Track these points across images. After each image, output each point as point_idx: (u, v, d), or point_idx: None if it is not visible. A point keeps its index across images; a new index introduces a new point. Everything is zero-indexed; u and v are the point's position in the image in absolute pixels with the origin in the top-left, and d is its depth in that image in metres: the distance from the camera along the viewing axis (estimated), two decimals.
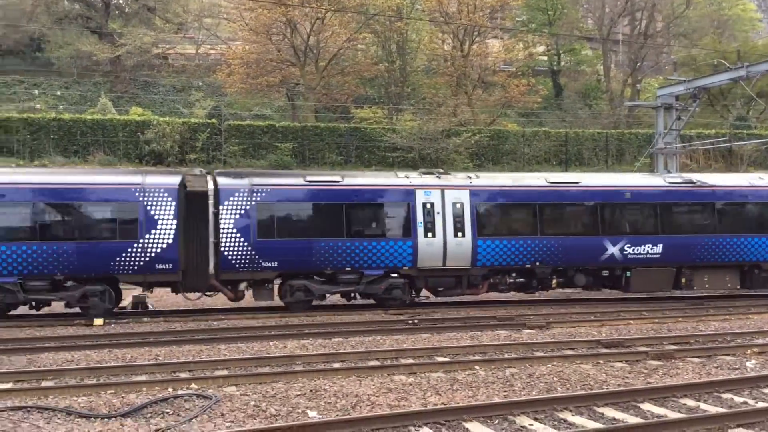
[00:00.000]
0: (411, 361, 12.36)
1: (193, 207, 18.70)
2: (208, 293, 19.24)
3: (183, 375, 11.38)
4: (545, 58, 52.20)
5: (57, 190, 17.94)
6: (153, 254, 17.94)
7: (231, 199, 18.63)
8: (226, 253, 18.40)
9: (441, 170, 21.81)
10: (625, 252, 20.65)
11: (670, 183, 21.82)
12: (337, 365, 12.02)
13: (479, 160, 33.25)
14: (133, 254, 17.87)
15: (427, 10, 41.27)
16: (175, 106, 36.38)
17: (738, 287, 22.12)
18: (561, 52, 52.17)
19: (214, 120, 33.19)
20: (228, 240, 18.45)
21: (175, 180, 18.65)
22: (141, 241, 17.88)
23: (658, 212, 21.10)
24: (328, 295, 19.78)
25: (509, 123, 40.01)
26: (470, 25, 39.61)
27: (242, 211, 18.62)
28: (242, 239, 18.52)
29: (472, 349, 13.51)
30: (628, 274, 20.89)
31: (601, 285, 21.58)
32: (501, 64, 43.97)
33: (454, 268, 19.81)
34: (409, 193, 19.71)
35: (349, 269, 19.16)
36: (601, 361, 12.46)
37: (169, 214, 18.08)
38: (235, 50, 40.75)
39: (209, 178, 19.16)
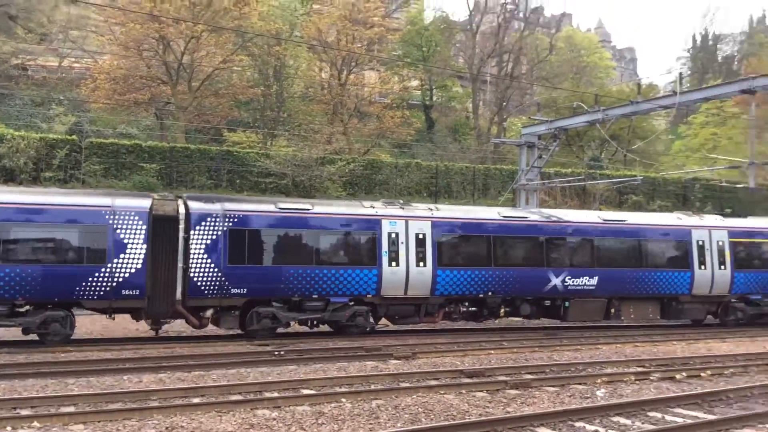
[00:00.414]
0: (276, 394, 12.05)
1: (161, 231, 18.22)
2: (166, 321, 18.88)
3: (24, 412, 10.48)
4: (419, 92, 53.75)
5: (24, 210, 17.23)
6: (120, 279, 17.52)
7: (203, 224, 18.50)
8: (195, 278, 18.17)
9: (401, 201, 22.53)
10: (566, 283, 22.10)
11: (605, 220, 23.83)
12: (196, 400, 11.50)
13: (353, 189, 33.47)
14: (100, 279, 17.40)
15: (306, 37, 41.41)
16: (33, 121, 34.07)
17: (659, 317, 24.20)
18: (434, 87, 53.91)
19: (74, 136, 31.37)
20: (198, 265, 18.23)
21: (145, 203, 18.28)
22: (109, 265, 17.44)
23: (594, 247, 22.88)
24: (292, 323, 19.87)
25: (383, 153, 40.68)
26: (349, 53, 40.11)
27: (213, 237, 18.52)
28: (212, 265, 18.38)
29: (339, 380, 13.40)
30: (567, 304, 22.31)
31: (542, 315, 22.95)
32: (376, 95, 44.80)
33: (414, 296, 20.51)
34: (375, 223, 20.25)
35: (316, 296, 19.46)
36: (464, 391, 12.72)
37: (138, 239, 17.76)
38: (102, 64, 38.89)
39: (180, 202, 18.80)
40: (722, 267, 24.40)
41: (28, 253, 17.14)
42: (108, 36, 39.26)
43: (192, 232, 18.34)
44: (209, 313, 18.74)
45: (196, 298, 18.34)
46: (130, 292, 17.56)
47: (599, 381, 13.95)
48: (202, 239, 18.46)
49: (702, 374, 14.89)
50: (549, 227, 22.49)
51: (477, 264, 21.24)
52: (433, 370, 14.68)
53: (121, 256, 17.50)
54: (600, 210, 28.57)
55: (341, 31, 40.56)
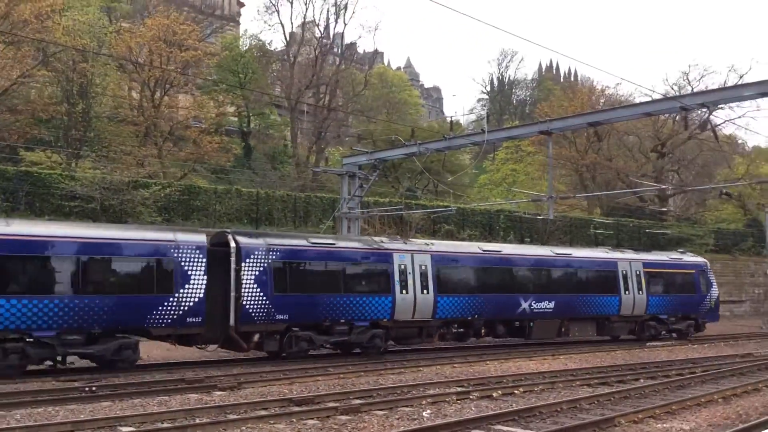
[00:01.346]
0: None
1: (215, 264, 20.20)
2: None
3: None
4: (235, 118, 52.93)
5: (97, 245, 18.74)
6: (186, 308, 19.41)
7: (251, 257, 20.77)
8: (246, 306, 20.36)
9: (398, 236, 27.02)
10: (532, 307, 26.31)
11: (557, 254, 28.62)
12: None
13: (168, 215, 31.95)
14: (168, 308, 19.19)
15: (116, 55, 39.27)
16: None
17: (595, 335, 29.39)
18: (251, 114, 53.39)
19: None
20: (248, 294, 20.48)
21: (203, 238, 20.52)
22: (176, 295, 19.30)
23: (552, 276, 27.70)
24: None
25: (200, 179, 39.41)
26: (163, 75, 38.56)
27: (261, 269, 20.85)
28: (261, 294, 20.70)
29: (161, 415, 12.61)
30: (531, 324, 26.60)
31: (512, 334, 27.05)
32: (192, 119, 43.44)
33: (419, 320, 23.81)
34: (389, 256, 23.45)
35: (343, 321, 22.12)
36: (294, 420, 12.51)
37: (200, 270, 19.78)
38: None
39: (230, 237, 20.91)
40: (640, 292, 29.90)
41: (102, 285, 18.79)
42: None
43: (243, 265, 20.60)
44: (256, 337, 20.88)
45: (247, 323, 20.64)
46: (194, 320, 19.57)
47: (424, 402, 14.38)
48: (251, 271, 20.84)
49: (515, 391, 15.88)
50: (518, 258, 27.32)
51: (467, 291, 25.15)
52: (261, 399, 14.31)
53: (186, 286, 19.50)
54: (416, 238, 29.83)
55: (154, 51, 38.96)
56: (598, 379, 17.94)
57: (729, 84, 48.73)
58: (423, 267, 23.96)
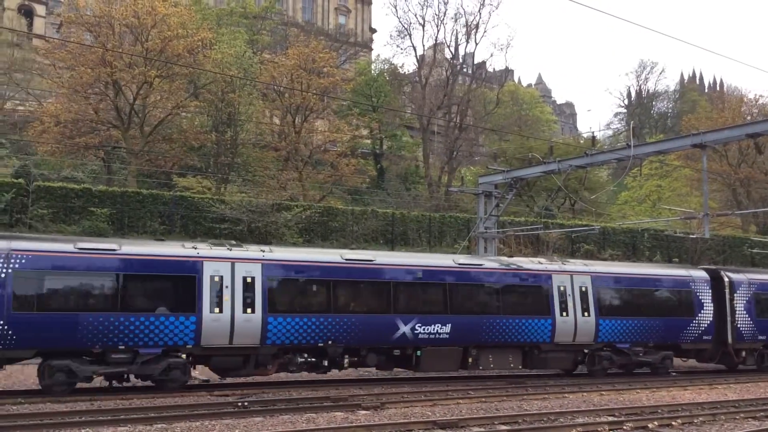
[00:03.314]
0: None
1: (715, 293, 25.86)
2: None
3: None
4: (369, 141, 54.16)
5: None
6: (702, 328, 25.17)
7: (740, 289, 26.57)
8: (739, 327, 26.16)
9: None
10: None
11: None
12: None
13: (309, 236, 33.09)
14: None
15: (260, 84, 41.41)
16: None
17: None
18: (384, 136, 54.42)
19: (21, 180, 30.20)
20: (739, 318, 26.10)
21: (705, 274, 26.16)
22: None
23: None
24: None
25: (336, 201, 40.57)
26: (303, 101, 40.14)
27: (746, 298, 26.45)
28: (747, 318, 26.21)
29: None
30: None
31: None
32: (328, 143, 44.90)
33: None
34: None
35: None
36: None
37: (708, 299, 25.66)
38: (47, 107, 37.87)
39: (722, 273, 26.43)
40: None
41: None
42: (56, 79, 38.34)
43: (735, 295, 26.00)
44: (744, 353, 26.20)
45: (739, 342, 25.88)
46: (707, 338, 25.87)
47: (574, 431, 13.78)
48: (740, 299, 26.08)
49: (673, 423, 14.89)
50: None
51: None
52: (405, 421, 14.25)
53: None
54: (554, 256, 28.84)
55: (295, 79, 40.68)
56: (764, 411, 16.49)
57: None
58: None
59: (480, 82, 62.95)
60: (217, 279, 18.65)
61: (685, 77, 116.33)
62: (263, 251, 19.92)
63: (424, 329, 20.84)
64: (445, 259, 22.90)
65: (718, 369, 27.49)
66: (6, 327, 16.48)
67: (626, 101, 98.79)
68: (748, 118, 49.62)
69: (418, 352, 20.90)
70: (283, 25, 64.08)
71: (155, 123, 37.09)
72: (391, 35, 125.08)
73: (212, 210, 31.38)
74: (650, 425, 14.55)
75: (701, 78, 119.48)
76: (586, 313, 23.45)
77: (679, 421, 15.09)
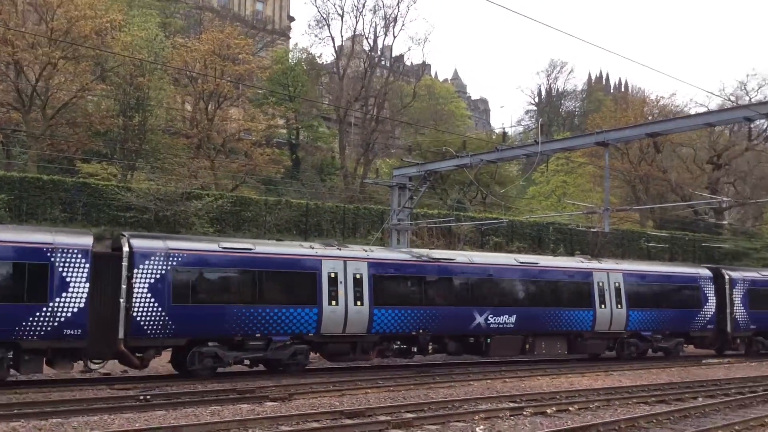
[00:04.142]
0: None
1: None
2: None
3: None
4: (285, 131, 53.60)
5: None
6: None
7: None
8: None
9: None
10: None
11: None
12: None
13: (220, 225, 32.47)
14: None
15: (171, 68, 40.22)
16: None
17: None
18: (300, 126, 54.00)
19: None
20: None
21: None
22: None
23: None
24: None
25: (250, 191, 39.97)
26: (216, 88, 39.25)
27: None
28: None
29: (215, 425, 12.69)
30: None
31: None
32: (243, 132, 44.15)
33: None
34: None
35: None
36: None
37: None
38: None
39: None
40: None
41: None
42: None
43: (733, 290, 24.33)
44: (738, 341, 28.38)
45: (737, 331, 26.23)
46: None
47: (477, 418, 14.15)
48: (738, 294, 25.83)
49: (570, 408, 15.53)
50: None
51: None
52: (313, 411, 14.29)
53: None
54: (464, 249, 29.63)
55: (209, 65, 39.73)
56: (655, 396, 17.45)
57: None
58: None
59: (397, 75, 63.35)
60: (333, 275, 21.09)
61: (593, 78, 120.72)
62: (366, 251, 22.68)
63: (494, 319, 23.90)
64: (508, 259, 26.46)
65: (658, 357, 28.94)
66: (167, 318, 18.52)
67: (537, 99, 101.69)
68: (650, 118, 52.05)
69: (488, 340, 23.82)
70: (197, 9, 62.45)
71: (59, 106, 35.44)
72: (309, 24, 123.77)
73: (117, 198, 30.28)
74: (548, 410, 15.14)
75: (607, 79, 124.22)
76: (619, 306, 27.06)
77: (576, 406, 15.77)
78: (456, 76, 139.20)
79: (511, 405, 15.63)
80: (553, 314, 25.47)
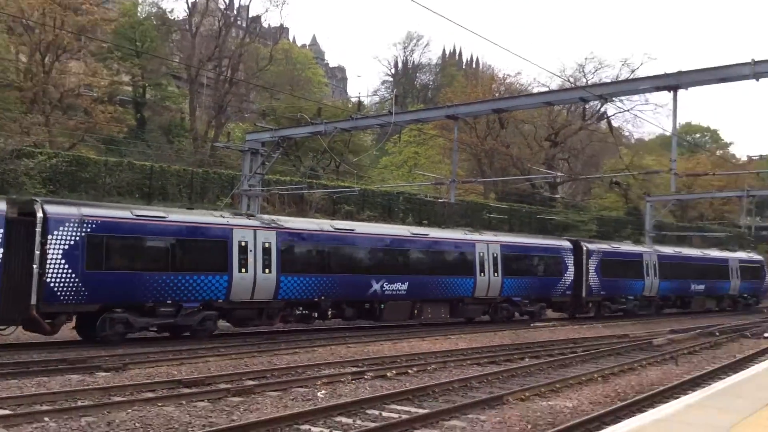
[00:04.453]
0: None
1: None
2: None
3: None
4: (130, 88, 50.76)
5: None
6: None
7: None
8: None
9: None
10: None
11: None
12: None
13: (54, 186, 30.28)
14: None
15: (5, 16, 36.68)
16: None
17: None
18: (147, 85, 51.34)
19: None
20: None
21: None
22: None
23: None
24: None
25: (89, 150, 37.56)
26: (55, 39, 36.30)
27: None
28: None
29: (39, 397, 11.97)
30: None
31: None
32: (83, 87, 41.30)
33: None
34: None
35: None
36: (184, 402, 12.18)
37: None
38: None
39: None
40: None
41: None
42: None
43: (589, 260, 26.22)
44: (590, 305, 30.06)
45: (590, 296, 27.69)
46: None
47: (319, 383, 14.34)
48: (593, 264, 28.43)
49: (409, 371, 16.12)
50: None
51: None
52: (148, 381, 13.85)
53: None
54: (317, 217, 29.69)
55: (47, 13, 36.64)
56: (487, 358, 18.49)
57: (622, 77, 51.19)
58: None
59: (254, 36, 61.67)
60: (243, 244, 21.54)
61: (447, 53, 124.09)
62: (274, 220, 23.43)
63: (389, 287, 25.26)
64: (402, 229, 28.34)
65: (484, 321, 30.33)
66: (80, 284, 18.35)
67: (393, 70, 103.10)
68: (497, 95, 54.44)
69: (382, 306, 25.27)
70: None
71: None
72: None
73: None
74: (389, 374, 15.62)
75: (460, 54, 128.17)
76: (495, 274, 29.13)
77: (414, 368, 16.40)
78: (314, 42, 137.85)
79: (354, 369, 15.99)
80: (441, 282, 27.21)
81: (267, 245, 22.10)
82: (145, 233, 19.77)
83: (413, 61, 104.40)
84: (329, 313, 24.13)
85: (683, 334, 25.86)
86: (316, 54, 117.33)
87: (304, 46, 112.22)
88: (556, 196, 55.40)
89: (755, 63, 20.69)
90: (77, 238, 18.44)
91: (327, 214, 36.86)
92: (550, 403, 12.90)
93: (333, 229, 24.47)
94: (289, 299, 22.73)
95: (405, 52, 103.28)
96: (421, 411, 11.71)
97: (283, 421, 10.68)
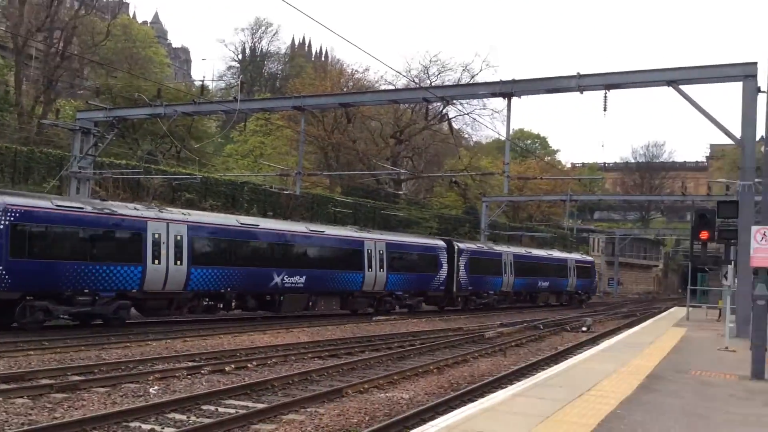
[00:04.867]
0: None
1: None
2: None
3: None
4: None
5: None
6: None
7: None
8: None
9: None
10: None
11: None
12: None
13: None
14: None
15: None
16: None
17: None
18: None
19: None
20: None
21: None
22: None
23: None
24: None
25: None
26: None
27: None
28: None
29: None
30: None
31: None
32: None
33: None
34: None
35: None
36: (1, 399, 11.18)
37: None
38: None
39: (454, 242, 26.28)
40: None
41: None
42: None
43: (460, 258, 32.66)
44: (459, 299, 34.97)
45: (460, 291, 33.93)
46: None
47: (151, 378, 13.73)
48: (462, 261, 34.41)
49: (248, 365, 15.84)
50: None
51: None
52: None
53: None
54: (155, 205, 28.29)
55: None
56: (328, 351, 18.59)
57: (462, 81, 53.44)
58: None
59: (90, 8, 57.62)
60: (157, 236, 22.32)
61: (297, 42, 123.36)
62: (184, 214, 24.13)
63: (289, 280, 26.80)
64: (301, 226, 29.60)
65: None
66: (4, 272, 18.82)
67: (240, 56, 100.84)
68: (344, 89, 54.84)
69: (282, 298, 26.74)
70: None
71: None
72: None
73: None
74: (227, 368, 15.26)
75: (310, 45, 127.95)
76: (381, 270, 31.74)
77: (254, 362, 16.13)
78: (156, 20, 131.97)
79: (190, 364, 15.45)
80: (334, 276, 29.30)
81: (179, 238, 22.94)
82: (66, 223, 20.33)
83: (261, 49, 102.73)
84: (233, 304, 25.42)
85: (511, 328, 27.52)
86: (159, 32, 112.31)
87: (145, 23, 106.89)
88: (400, 192, 56.85)
89: (580, 76, 22.51)
90: (1, 227, 18.84)
91: (166, 201, 35.30)
92: (388, 394, 13.20)
93: (239, 224, 25.68)
94: (198, 290, 23.77)
95: (253, 39, 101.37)
96: (260, 405, 11.54)
97: (110, 419, 10.11)
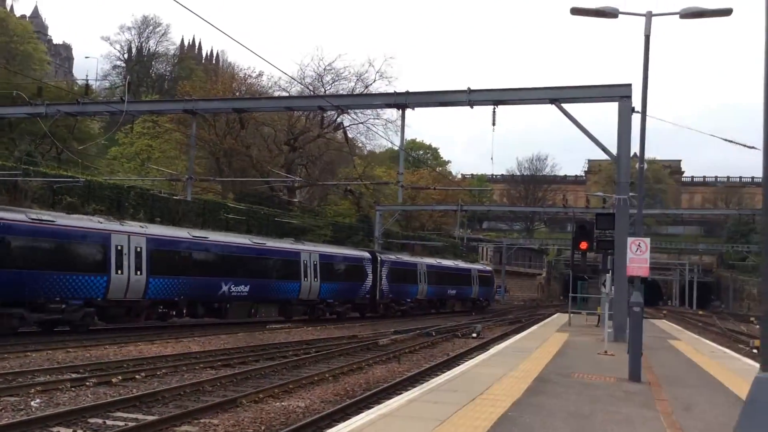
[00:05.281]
0: None
1: None
2: None
3: None
4: None
5: None
6: None
7: None
8: None
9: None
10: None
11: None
12: None
13: None
14: None
15: None
16: None
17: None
18: None
19: None
20: None
21: None
22: None
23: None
24: None
25: None
26: None
27: None
28: None
29: None
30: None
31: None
32: None
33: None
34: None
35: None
36: None
37: None
38: None
39: (377, 254, 32.22)
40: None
41: None
42: None
43: (383, 268, 36.88)
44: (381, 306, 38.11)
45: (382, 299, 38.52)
46: None
47: (33, 391, 12.99)
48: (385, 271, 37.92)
49: (137, 376, 15.28)
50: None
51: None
52: None
53: None
54: (32, 208, 26.77)
55: None
56: (221, 361, 18.21)
57: (357, 91, 53.88)
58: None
59: None
60: (119, 248, 23.92)
61: (186, 43, 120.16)
62: (142, 227, 25.95)
63: (235, 289, 28.86)
64: (245, 239, 31.93)
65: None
66: None
67: (126, 56, 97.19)
68: (237, 94, 53.97)
69: (228, 306, 28.80)
70: None
71: None
72: None
73: None
74: (114, 380, 14.66)
75: (200, 47, 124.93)
76: (315, 279, 34.22)
77: (143, 374, 15.57)
78: (36, 14, 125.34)
79: (74, 376, 14.74)
80: (275, 285, 31.66)
81: (139, 249, 24.60)
82: (40, 236, 21.76)
83: (149, 49, 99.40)
84: (184, 311, 27.37)
85: (405, 335, 27.94)
86: (38, 27, 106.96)
87: (23, 17, 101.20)
88: (294, 200, 56.49)
89: (470, 92, 23.32)
90: None
91: (45, 205, 33.39)
92: (283, 403, 13.10)
93: (191, 236, 27.57)
94: (155, 299, 25.57)
95: (140, 38, 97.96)
96: (150, 418, 11.17)
97: None
